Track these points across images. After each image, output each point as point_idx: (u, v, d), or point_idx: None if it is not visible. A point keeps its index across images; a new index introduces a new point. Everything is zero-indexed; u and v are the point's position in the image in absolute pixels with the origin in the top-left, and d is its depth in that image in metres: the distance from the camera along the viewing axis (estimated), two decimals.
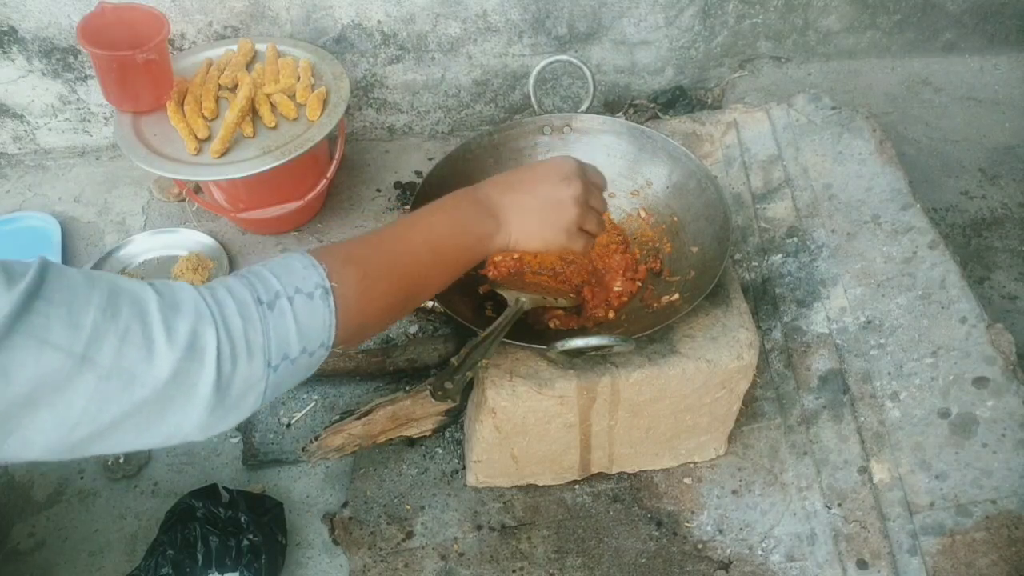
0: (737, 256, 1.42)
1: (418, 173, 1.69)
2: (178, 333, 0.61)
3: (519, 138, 1.28)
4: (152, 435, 0.63)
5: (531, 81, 1.29)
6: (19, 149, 1.72)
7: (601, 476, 1.22)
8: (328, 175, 1.49)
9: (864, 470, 1.17)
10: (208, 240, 1.53)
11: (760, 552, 1.15)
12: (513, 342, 1.03)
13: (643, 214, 1.25)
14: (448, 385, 0.93)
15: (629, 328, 1.11)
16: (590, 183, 0.92)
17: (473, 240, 0.85)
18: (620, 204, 1.27)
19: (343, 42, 1.60)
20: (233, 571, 1.07)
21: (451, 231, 0.84)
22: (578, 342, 0.96)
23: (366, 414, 1.17)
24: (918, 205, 1.37)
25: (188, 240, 1.53)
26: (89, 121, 1.69)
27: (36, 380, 0.55)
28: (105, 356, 0.57)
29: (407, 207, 1.30)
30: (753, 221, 1.44)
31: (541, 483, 1.21)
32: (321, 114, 1.37)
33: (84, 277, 0.60)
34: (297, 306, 0.68)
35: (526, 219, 0.88)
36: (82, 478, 1.25)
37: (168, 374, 0.60)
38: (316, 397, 1.32)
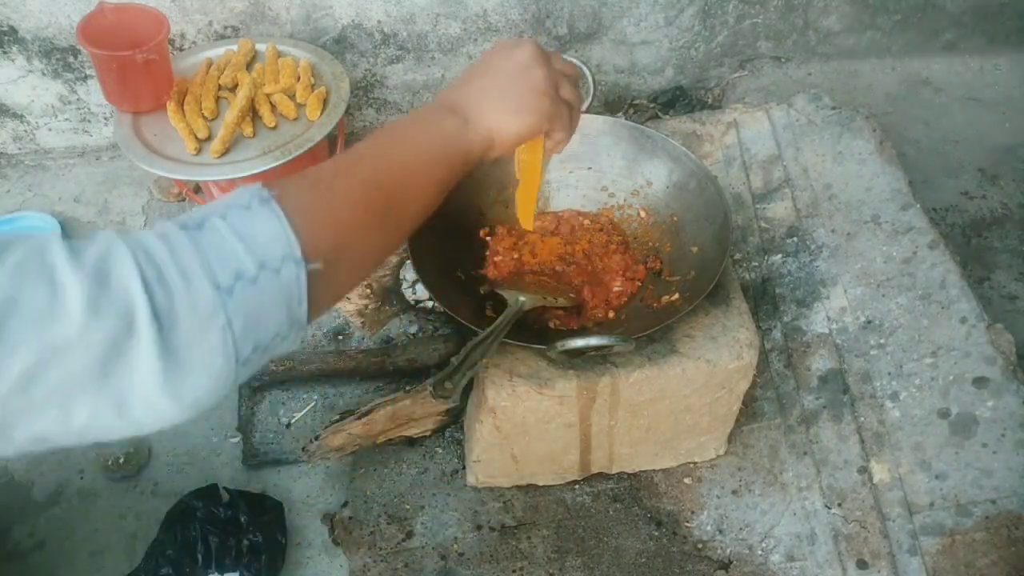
0: (737, 256, 1.42)
1: None
2: (83, 259, 0.48)
3: None
4: (98, 406, 0.49)
5: None
6: (19, 149, 1.72)
7: (601, 476, 1.22)
8: None
9: (864, 470, 1.17)
10: None
11: (760, 552, 1.15)
12: (513, 342, 1.03)
13: (643, 214, 1.25)
14: (448, 385, 0.93)
15: (629, 328, 1.10)
16: (547, 52, 0.82)
17: (437, 137, 0.74)
18: (620, 204, 1.27)
19: (343, 42, 1.60)
20: (233, 571, 1.07)
21: (412, 133, 0.74)
22: (578, 342, 0.96)
23: (366, 414, 1.17)
24: (918, 205, 1.37)
25: None
26: (89, 121, 1.69)
27: None
28: None
29: None
30: (753, 221, 1.44)
31: (541, 483, 1.21)
32: (321, 114, 1.37)
33: None
34: (232, 219, 0.55)
35: (492, 101, 0.77)
36: (82, 478, 1.25)
37: (81, 306, 0.47)
38: (316, 397, 1.32)
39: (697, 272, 1.13)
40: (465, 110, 0.75)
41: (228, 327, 0.52)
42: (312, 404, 1.31)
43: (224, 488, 1.14)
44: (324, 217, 0.61)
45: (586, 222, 1.25)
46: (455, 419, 1.25)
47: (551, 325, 1.13)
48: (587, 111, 1.28)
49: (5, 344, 0.45)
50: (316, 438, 1.16)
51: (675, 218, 1.21)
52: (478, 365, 0.96)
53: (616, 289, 1.16)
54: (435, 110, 0.76)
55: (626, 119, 1.33)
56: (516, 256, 1.21)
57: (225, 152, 1.32)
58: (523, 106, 0.77)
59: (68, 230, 1.57)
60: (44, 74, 1.59)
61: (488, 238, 1.25)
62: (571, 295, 1.14)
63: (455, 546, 1.16)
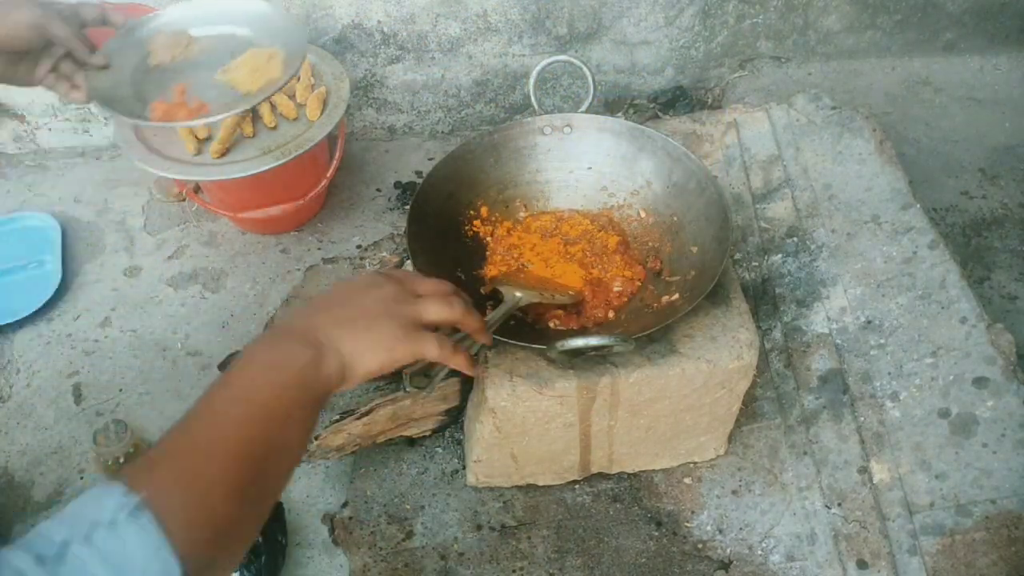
0: (737, 256, 1.42)
1: (418, 173, 1.69)
2: None
3: (519, 138, 1.28)
4: None
5: (531, 81, 1.29)
6: (19, 149, 1.72)
7: (601, 476, 1.22)
8: (328, 175, 1.49)
9: (864, 470, 1.17)
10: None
11: (760, 552, 1.15)
12: (513, 342, 1.03)
13: (643, 214, 1.25)
14: (426, 376, 0.91)
15: (629, 328, 1.10)
16: (407, 279, 0.81)
17: (295, 376, 0.68)
18: (620, 204, 1.27)
19: (343, 42, 1.61)
20: (233, 571, 1.07)
21: (267, 376, 0.68)
22: (578, 342, 0.96)
23: (366, 414, 1.17)
24: (918, 205, 1.37)
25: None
26: (89, 121, 1.69)
27: None
28: None
29: (407, 207, 1.30)
30: (753, 221, 1.44)
31: (541, 483, 1.21)
32: (321, 114, 1.37)
33: None
34: (99, 544, 0.52)
35: (348, 331, 0.73)
36: (82, 478, 1.25)
37: None
38: None
39: (697, 272, 1.13)
40: (321, 340, 0.71)
41: None
42: None
43: None
44: (200, 506, 0.58)
45: (586, 222, 1.26)
46: (455, 419, 1.25)
47: (551, 325, 1.13)
48: (587, 111, 1.28)
49: None
50: (316, 438, 1.16)
51: (675, 218, 1.21)
52: None
53: (616, 289, 1.16)
54: (289, 340, 0.71)
55: (626, 119, 1.33)
56: (516, 256, 1.21)
57: (225, 152, 1.32)
58: (386, 342, 0.74)
59: (68, 230, 1.57)
60: None
61: (488, 238, 1.25)
62: (570, 292, 1.14)
63: (455, 546, 1.16)
